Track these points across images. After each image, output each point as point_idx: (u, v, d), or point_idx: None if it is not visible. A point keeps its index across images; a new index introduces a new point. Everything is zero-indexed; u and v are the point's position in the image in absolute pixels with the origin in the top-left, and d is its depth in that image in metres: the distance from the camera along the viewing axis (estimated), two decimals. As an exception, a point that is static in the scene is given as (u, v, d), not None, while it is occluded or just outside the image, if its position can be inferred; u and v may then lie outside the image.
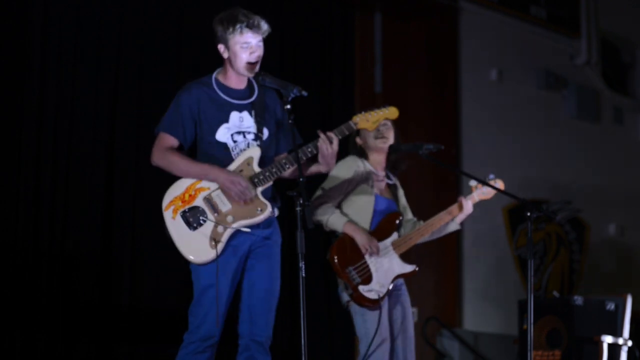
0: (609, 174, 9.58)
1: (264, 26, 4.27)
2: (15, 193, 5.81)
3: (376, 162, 4.88)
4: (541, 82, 9.04)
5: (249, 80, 4.30)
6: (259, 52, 4.24)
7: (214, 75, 4.28)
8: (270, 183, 4.20)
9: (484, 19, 8.65)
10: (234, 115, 4.22)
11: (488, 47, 8.68)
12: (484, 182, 4.75)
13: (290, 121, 4.05)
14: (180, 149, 4.19)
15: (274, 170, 4.18)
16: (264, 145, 4.25)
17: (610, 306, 6.07)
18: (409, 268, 4.77)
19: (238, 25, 4.19)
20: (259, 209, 4.16)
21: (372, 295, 4.64)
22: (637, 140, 10.04)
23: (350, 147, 4.92)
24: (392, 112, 4.44)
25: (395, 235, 4.78)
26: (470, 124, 8.44)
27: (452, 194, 7.77)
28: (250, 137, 4.23)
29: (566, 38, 9.38)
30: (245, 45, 4.20)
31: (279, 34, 7.28)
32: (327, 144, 4.18)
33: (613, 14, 9.79)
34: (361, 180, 4.79)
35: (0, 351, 5.64)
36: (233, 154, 4.20)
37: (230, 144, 4.20)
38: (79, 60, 6.14)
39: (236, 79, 4.26)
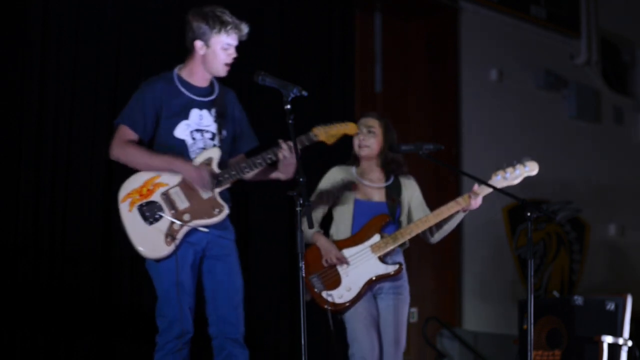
0: (608, 174, 9.59)
1: (246, 29, 4.30)
2: (15, 193, 5.81)
3: (366, 168, 4.88)
4: (541, 82, 9.04)
5: (211, 79, 4.33)
6: (235, 53, 4.29)
7: (175, 71, 4.30)
8: (229, 185, 4.23)
9: (484, 19, 8.65)
10: (194, 113, 4.25)
11: (488, 47, 8.69)
12: (485, 183, 4.73)
13: (290, 121, 4.06)
14: (139, 143, 4.20)
15: (233, 172, 4.21)
16: (222, 146, 4.28)
17: (610, 306, 6.06)
18: (387, 269, 4.74)
19: (229, 27, 4.22)
20: (217, 209, 4.18)
21: (330, 299, 4.67)
22: (637, 140, 10.04)
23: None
24: (352, 127, 4.46)
25: (376, 238, 4.74)
26: (470, 124, 8.44)
27: (452, 194, 7.78)
28: (208, 135, 4.27)
29: (566, 38, 9.38)
30: (227, 46, 4.24)
31: (279, 33, 7.31)
32: (288, 153, 4.21)
33: (613, 14, 9.79)
34: (341, 189, 4.82)
35: (0, 351, 5.64)
36: (190, 151, 4.22)
37: (189, 141, 4.23)
38: (79, 60, 6.14)
39: (201, 77, 4.29)
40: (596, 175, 9.47)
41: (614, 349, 5.96)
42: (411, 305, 4.93)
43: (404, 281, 4.84)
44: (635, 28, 10.17)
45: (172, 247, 4.10)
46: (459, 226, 5.00)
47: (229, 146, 4.37)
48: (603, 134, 9.66)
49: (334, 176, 4.87)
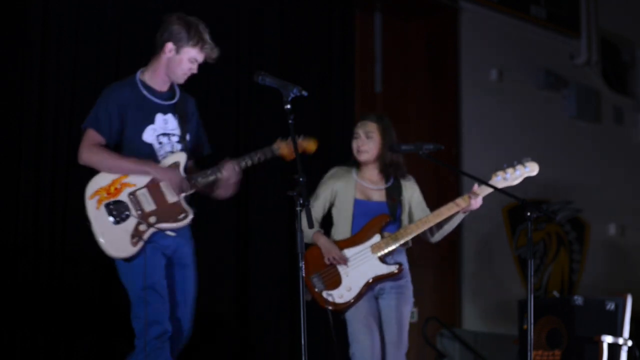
0: (609, 174, 9.58)
1: (216, 54, 4.34)
2: (15, 193, 5.81)
3: (366, 171, 4.88)
4: (541, 82, 9.04)
5: (171, 83, 4.37)
6: (196, 70, 4.34)
7: (137, 75, 4.35)
8: (193, 191, 4.26)
9: (484, 19, 8.65)
10: (159, 117, 4.29)
11: (488, 47, 8.68)
12: (485, 183, 4.74)
13: (290, 121, 4.07)
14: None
15: (199, 179, 4.26)
16: (187, 150, 4.32)
17: (610, 306, 6.07)
18: (388, 269, 4.75)
19: (206, 46, 4.28)
20: (182, 214, 4.22)
21: (330, 299, 4.70)
22: (637, 140, 10.04)
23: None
24: (311, 144, 4.50)
25: (376, 238, 4.76)
26: (470, 124, 8.44)
27: (452, 194, 7.77)
28: (175, 139, 4.31)
29: (566, 38, 9.38)
30: (194, 61, 4.29)
31: (279, 33, 7.31)
32: (233, 173, 4.28)
33: (613, 14, 9.79)
34: (341, 190, 4.84)
35: (0, 351, 5.64)
36: (158, 155, 4.26)
37: (156, 145, 4.27)
38: (79, 60, 6.14)
39: (162, 81, 4.33)
40: (596, 175, 9.46)
41: (614, 349, 5.96)
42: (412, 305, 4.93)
43: (407, 281, 4.85)
44: (635, 28, 10.16)
45: (137, 248, 4.13)
46: (459, 226, 5.00)
47: (191, 151, 4.42)
48: (603, 134, 9.66)
49: (333, 176, 4.88)
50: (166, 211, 4.18)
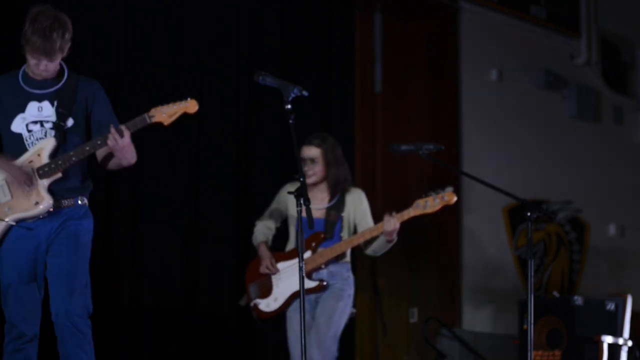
0: (609, 174, 9.58)
1: (56, 54, 4.17)
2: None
3: (315, 191, 5.15)
4: (541, 82, 9.03)
5: (60, 69, 4.27)
6: (48, 67, 4.20)
7: (24, 66, 4.29)
8: (59, 175, 4.14)
9: (484, 19, 8.64)
10: (32, 105, 4.22)
11: (488, 47, 8.68)
12: (484, 183, 4.77)
13: (290, 121, 4.06)
14: None
15: (59, 162, 4.13)
16: (67, 135, 4.21)
17: (610, 306, 6.07)
18: (311, 284, 5.04)
19: (29, 47, 4.14)
20: (36, 201, 4.12)
21: (260, 307, 5.12)
22: (637, 140, 10.03)
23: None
24: (192, 105, 4.21)
25: (307, 254, 5.05)
26: (470, 124, 8.43)
27: (452, 194, 7.77)
28: (49, 125, 4.21)
29: (566, 38, 9.38)
30: (33, 59, 4.17)
31: (279, 33, 7.31)
32: (117, 137, 4.10)
33: (613, 14, 9.79)
34: (290, 204, 5.17)
35: (0, 351, 5.63)
36: (27, 143, 4.20)
37: (25, 134, 4.20)
38: (79, 60, 6.12)
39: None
40: (596, 176, 9.45)
41: (614, 349, 5.96)
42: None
43: (343, 284, 5.12)
44: (635, 28, 10.15)
45: None
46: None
47: (81, 135, 4.26)
48: (603, 134, 9.65)
49: (284, 194, 5.22)
50: (21, 201, 4.12)
